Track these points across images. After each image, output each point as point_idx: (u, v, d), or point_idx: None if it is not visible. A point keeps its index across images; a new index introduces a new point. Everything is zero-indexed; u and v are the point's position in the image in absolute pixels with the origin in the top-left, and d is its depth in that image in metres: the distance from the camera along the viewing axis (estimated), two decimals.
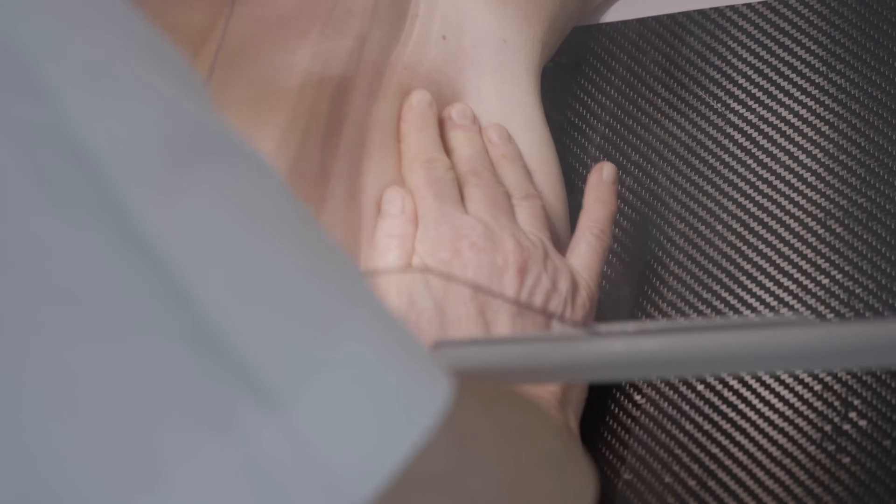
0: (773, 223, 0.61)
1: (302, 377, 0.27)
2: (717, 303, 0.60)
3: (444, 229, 0.54)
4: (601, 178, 0.59)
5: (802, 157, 0.62)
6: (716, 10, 0.67)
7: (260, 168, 0.29)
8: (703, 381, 0.58)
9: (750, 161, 0.63)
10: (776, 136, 0.63)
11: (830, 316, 0.58)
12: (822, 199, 0.61)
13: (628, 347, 0.42)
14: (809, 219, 0.61)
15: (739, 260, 0.60)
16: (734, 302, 0.59)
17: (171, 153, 0.27)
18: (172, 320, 0.26)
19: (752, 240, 0.61)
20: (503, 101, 0.62)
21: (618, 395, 0.58)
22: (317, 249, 0.29)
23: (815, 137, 0.63)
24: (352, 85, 0.59)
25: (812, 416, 0.56)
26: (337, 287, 0.29)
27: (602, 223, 0.57)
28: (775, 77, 0.65)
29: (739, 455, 0.56)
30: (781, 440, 0.55)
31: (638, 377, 0.50)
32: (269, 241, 0.28)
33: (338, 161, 0.57)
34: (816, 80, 0.64)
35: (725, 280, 0.60)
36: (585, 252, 0.56)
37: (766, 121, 0.64)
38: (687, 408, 0.57)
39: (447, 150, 0.59)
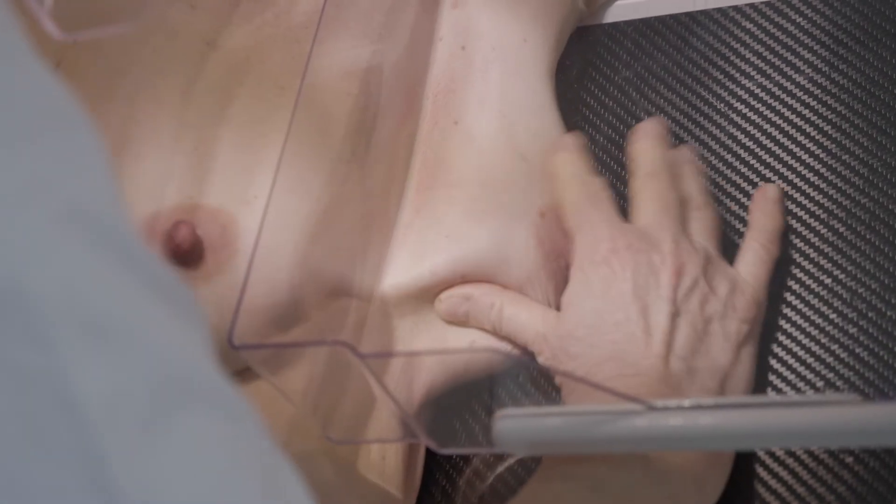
0: None
1: None
2: None
3: (600, 233, 0.55)
4: (766, 197, 0.60)
5: (805, 156, 0.62)
6: (719, 10, 0.67)
7: (240, 415, 0.31)
8: None
9: (753, 161, 0.63)
10: (779, 136, 0.63)
11: (833, 316, 0.58)
12: (825, 199, 0.61)
13: (685, 422, 0.44)
14: (812, 218, 0.61)
15: None
16: None
17: (156, 406, 0.28)
18: None
19: None
20: (527, 99, 0.62)
21: None
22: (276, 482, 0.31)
23: (818, 137, 0.63)
24: (381, 104, 0.59)
25: None
26: None
27: (768, 235, 0.58)
28: (778, 77, 0.65)
29: (742, 453, 0.56)
30: None
31: (692, 449, 0.51)
32: (237, 499, 0.29)
33: (369, 177, 0.58)
34: (819, 81, 0.64)
35: None
36: (752, 260, 0.57)
37: (768, 121, 0.64)
38: None
39: (631, 162, 0.60)
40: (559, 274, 0.58)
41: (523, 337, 0.55)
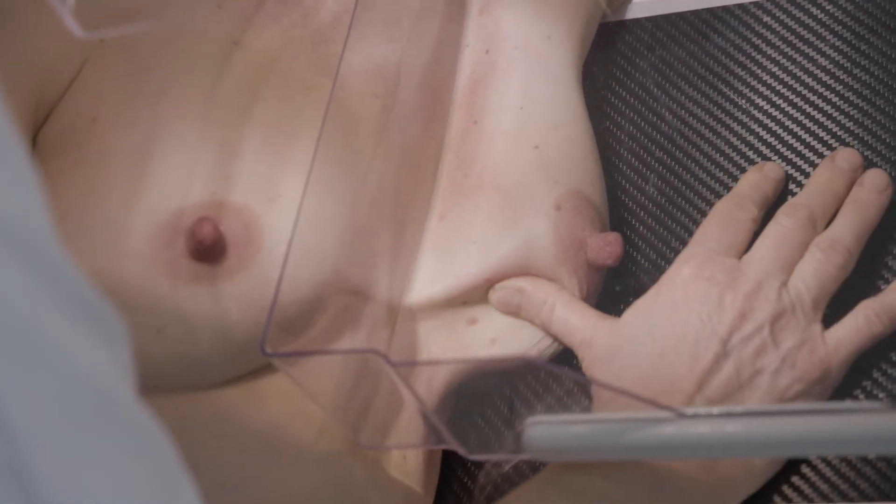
0: None
1: None
2: None
3: (696, 253, 0.55)
4: None
5: (827, 153, 0.62)
6: (740, 6, 0.67)
7: (148, 438, 0.32)
8: None
9: (775, 158, 0.63)
10: (801, 133, 0.63)
11: None
12: None
13: (714, 429, 0.44)
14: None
15: None
16: None
17: (71, 425, 0.29)
18: None
19: None
20: (548, 94, 0.62)
21: None
22: None
23: (840, 134, 0.63)
24: (407, 108, 0.59)
25: None
26: None
27: (882, 307, 0.55)
28: (800, 73, 0.65)
29: None
30: None
31: (722, 456, 0.51)
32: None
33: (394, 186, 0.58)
34: (841, 77, 0.64)
35: None
36: (849, 326, 0.54)
37: (791, 117, 0.64)
38: None
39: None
40: (581, 268, 0.58)
41: (570, 340, 0.56)
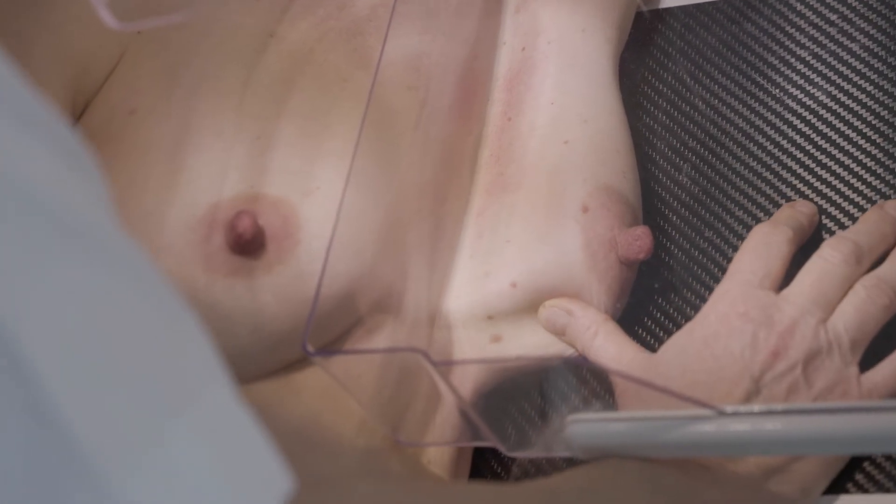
0: (831, 209, 0.61)
1: (131, 469, 0.28)
2: None
3: (731, 288, 0.54)
4: None
5: (862, 142, 0.62)
6: None
7: (125, 252, 0.31)
8: None
9: (809, 147, 0.63)
10: (835, 122, 0.63)
11: None
12: (883, 185, 0.61)
13: (754, 427, 0.43)
14: (869, 205, 0.60)
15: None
16: None
17: (39, 242, 0.28)
18: (12, 394, 0.27)
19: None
20: (582, 87, 0.62)
21: None
22: (173, 332, 0.31)
23: (874, 122, 0.62)
24: (443, 102, 0.59)
25: None
26: (180, 376, 0.31)
27: None
28: (833, 61, 0.64)
29: None
30: None
31: (763, 454, 0.50)
32: (120, 327, 0.29)
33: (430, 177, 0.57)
34: (875, 64, 0.64)
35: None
36: (887, 371, 0.52)
37: (824, 106, 0.63)
38: None
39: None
40: (611, 270, 0.57)
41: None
